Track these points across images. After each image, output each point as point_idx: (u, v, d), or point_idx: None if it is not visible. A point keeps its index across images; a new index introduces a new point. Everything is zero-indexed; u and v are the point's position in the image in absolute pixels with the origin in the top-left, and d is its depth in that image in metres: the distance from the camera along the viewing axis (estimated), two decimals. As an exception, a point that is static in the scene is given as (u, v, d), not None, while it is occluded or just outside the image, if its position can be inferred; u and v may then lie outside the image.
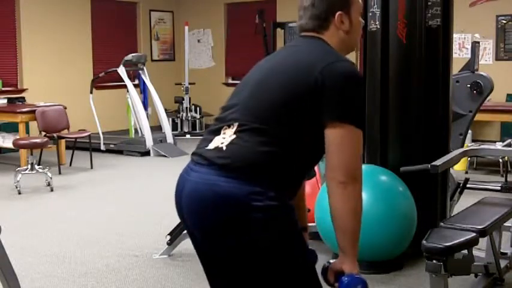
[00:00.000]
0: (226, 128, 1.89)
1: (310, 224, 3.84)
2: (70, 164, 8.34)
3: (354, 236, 1.87)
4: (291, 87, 1.87)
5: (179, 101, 11.39)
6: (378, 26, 4.34)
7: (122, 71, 9.35)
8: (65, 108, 8.36)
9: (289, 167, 1.86)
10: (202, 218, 1.85)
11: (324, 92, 1.83)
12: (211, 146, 1.89)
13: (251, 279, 1.86)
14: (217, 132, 1.91)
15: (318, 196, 4.20)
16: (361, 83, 1.92)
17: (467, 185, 4.58)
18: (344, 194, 1.82)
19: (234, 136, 1.86)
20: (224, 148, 1.85)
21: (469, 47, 7.98)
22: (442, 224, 3.44)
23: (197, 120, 11.45)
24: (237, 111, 1.91)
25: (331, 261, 1.94)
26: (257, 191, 1.79)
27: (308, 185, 4.05)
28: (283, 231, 1.84)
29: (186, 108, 11.31)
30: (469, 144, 7.40)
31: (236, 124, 1.87)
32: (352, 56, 10.29)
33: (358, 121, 1.85)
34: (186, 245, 4.43)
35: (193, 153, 1.95)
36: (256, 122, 1.86)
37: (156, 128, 10.00)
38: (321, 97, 1.83)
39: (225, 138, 1.87)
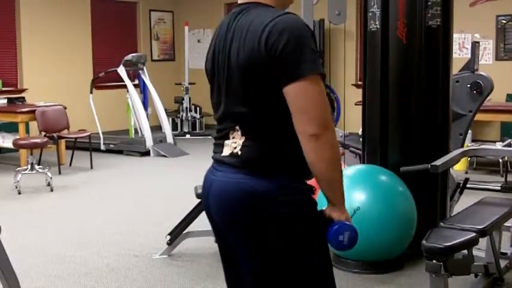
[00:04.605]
0: (232, 132, 1.90)
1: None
2: (70, 164, 8.34)
3: (337, 184, 1.88)
4: (248, 70, 1.82)
5: (179, 101, 11.40)
6: (378, 26, 4.33)
7: (121, 71, 9.35)
8: (65, 108, 8.36)
9: (295, 145, 1.83)
10: (230, 214, 1.88)
11: (275, 52, 1.76)
12: (226, 152, 1.91)
13: (276, 273, 1.87)
14: (226, 136, 1.92)
15: (318, 196, 4.19)
16: (305, 27, 1.82)
17: (467, 185, 4.57)
18: (318, 145, 1.78)
19: (244, 138, 1.87)
20: (239, 153, 1.87)
21: (469, 47, 7.97)
22: (442, 224, 3.44)
23: (197, 120, 11.45)
24: (229, 115, 1.91)
25: (323, 208, 1.95)
26: (281, 185, 1.83)
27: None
28: (308, 225, 1.87)
29: (186, 108, 11.33)
30: (469, 144, 7.40)
31: (237, 127, 1.89)
32: (352, 56, 10.28)
33: (315, 67, 1.78)
34: (186, 245, 4.41)
35: (213, 157, 1.99)
36: (250, 120, 1.86)
37: (156, 128, 10.00)
38: (275, 59, 1.77)
39: (236, 142, 1.89)
